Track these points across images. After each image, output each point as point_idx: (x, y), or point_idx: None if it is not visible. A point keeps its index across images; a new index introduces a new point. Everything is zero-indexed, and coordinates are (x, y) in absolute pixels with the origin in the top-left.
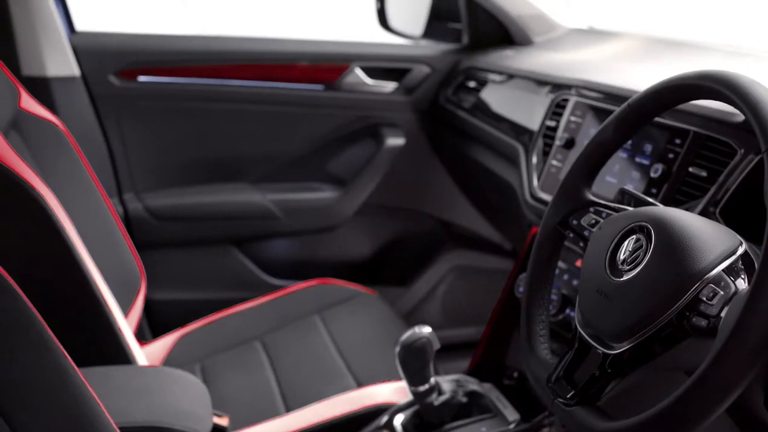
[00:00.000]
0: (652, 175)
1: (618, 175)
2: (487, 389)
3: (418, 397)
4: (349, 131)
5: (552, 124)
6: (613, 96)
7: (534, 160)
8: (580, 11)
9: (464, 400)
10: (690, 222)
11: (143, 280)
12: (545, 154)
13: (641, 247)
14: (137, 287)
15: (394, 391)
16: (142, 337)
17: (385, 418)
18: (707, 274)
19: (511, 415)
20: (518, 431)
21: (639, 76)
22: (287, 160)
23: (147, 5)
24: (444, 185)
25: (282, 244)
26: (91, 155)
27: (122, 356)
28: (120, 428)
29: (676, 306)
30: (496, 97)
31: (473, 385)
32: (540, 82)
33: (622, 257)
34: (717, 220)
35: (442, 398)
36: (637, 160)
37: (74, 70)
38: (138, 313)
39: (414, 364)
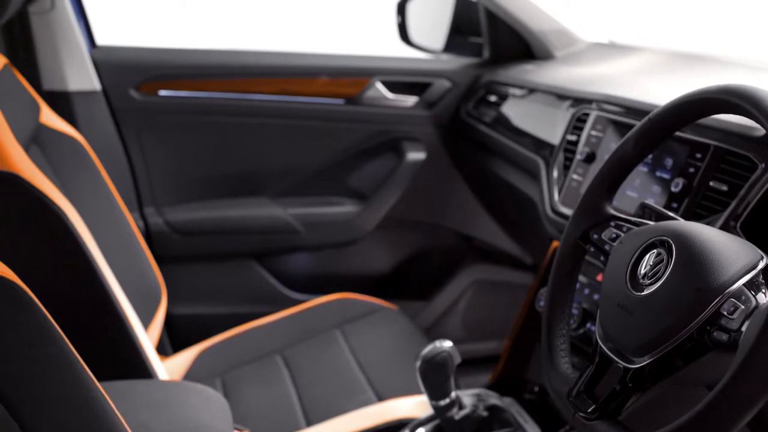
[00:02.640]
0: (673, 189)
1: (639, 189)
2: (507, 403)
3: (439, 412)
4: (369, 145)
5: (573, 138)
6: (634, 110)
7: (555, 174)
8: (579, 11)
9: (485, 414)
10: (711, 236)
11: (164, 294)
12: (566, 168)
13: (662, 261)
14: (158, 301)
15: (414, 406)
16: (162, 352)
17: None
18: (728, 288)
19: (532, 429)
20: None
21: (660, 91)
22: (308, 175)
23: (145, 4)
24: (465, 199)
25: (303, 258)
26: (112, 169)
27: (143, 370)
28: None
29: (697, 320)
30: (517, 112)
31: (494, 399)
32: (561, 96)
33: (642, 271)
34: (738, 235)
35: (463, 412)
36: (658, 174)
37: (95, 84)
38: (159, 327)
39: (435, 378)
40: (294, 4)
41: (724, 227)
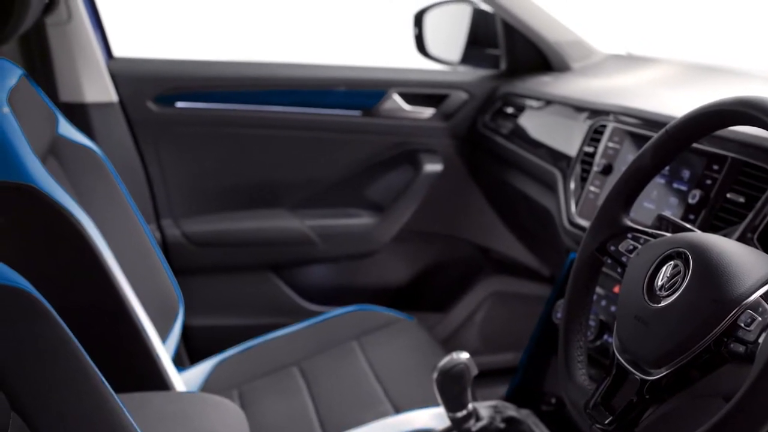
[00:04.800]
0: (690, 201)
1: (656, 201)
2: (525, 415)
3: (456, 423)
4: (386, 157)
5: (590, 150)
6: (651, 122)
7: (572, 185)
8: (579, 11)
9: (502, 426)
10: (728, 248)
11: (181, 305)
12: (583, 180)
13: (679, 273)
14: (175, 313)
15: (431, 417)
16: (179, 363)
17: None
18: (745, 300)
19: None
20: None
21: (677, 102)
22: (325, 186)
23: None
24: (482, 211)
25: (320, 269)
26: (129, 181)
27: (160, 382)
28: None
29: (714, 332)
30: (534, 123)
31: (511, 411)
32: (578, 108)
33: (660, 283)
34: (755, 246)
35: (480, 424)
36: (675, 186)
37: (112, 95)
38: (176, 338)
39: (452, 389)
40: (307, 16)
41: (741, 239)
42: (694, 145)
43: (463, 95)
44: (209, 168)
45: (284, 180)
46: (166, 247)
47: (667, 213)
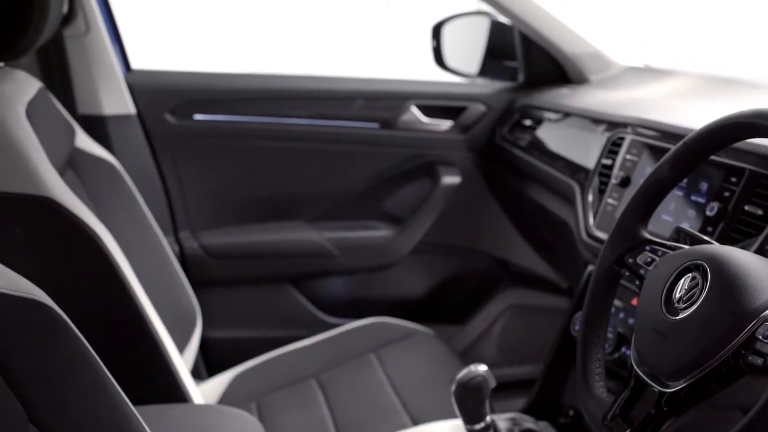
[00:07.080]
0: (708, 213)
1: (674, 213)
2: (543, 428)
3: None
4: (404, 169)
5: (608, 162)
6: (669, 134)
7: (590, 198)
8: (576, 11)
9: None
10: (746, 260)
11: (199, 318)
12: (601, 192)
13: (697, 285)
14: (193, 325)
15: (449, 430)
16: (197, 375)
17: None
18: (763, 312)
19: None
20: None
21: (695, 115)
22: (343, 198)
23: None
24: (500, 223)
25: (338, 282)
26: (147, 193)
27: (178, 394)
28: None
29: (732, 344)
30: (552, 136)
31: (529, 423)
32: (596, 120)
33: (678, 295)
34: None
35: None
36: (693, 198)
37: (130, 108)
38: (194, 351)
39: (470, 402)
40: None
41: (759, 251)
42: (712, 157)
43: (481, 107)
44: (227, 180)
45: (302, 192)
46: (184, 259)
47: (685, 225)
